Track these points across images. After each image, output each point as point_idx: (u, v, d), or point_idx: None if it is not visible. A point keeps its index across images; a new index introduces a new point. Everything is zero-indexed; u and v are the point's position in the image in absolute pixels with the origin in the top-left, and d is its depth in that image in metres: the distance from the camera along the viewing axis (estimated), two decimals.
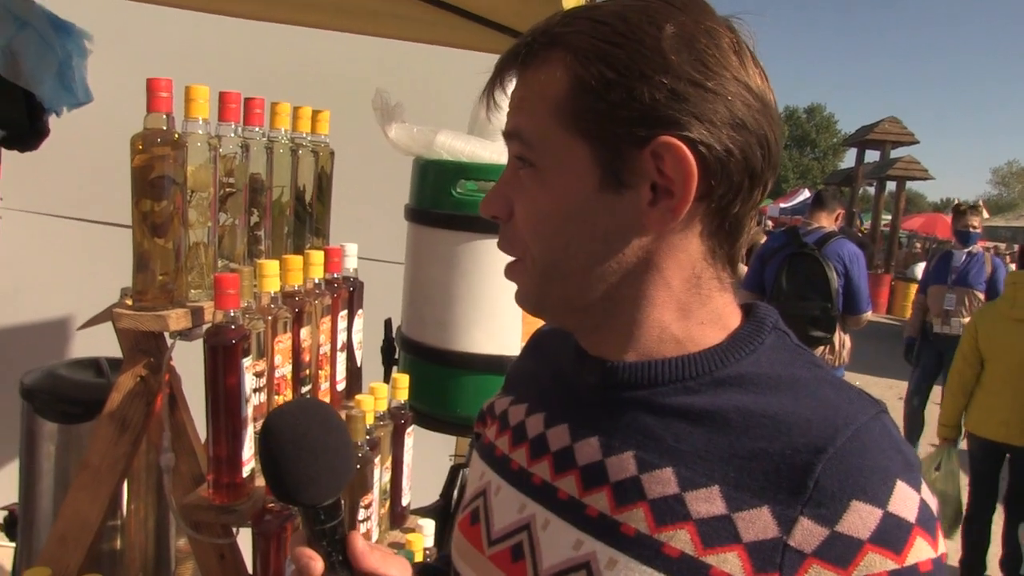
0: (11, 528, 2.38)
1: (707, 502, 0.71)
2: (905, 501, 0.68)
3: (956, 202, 6.98)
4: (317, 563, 0.82)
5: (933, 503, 0.70)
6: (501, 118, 0.82)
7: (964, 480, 4.56)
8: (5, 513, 2.53)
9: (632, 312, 0.79)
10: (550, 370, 0.94)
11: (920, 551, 0.67)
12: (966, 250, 6.18)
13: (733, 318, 0.82)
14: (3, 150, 3.39)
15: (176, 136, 1.44)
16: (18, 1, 2.75)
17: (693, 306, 0.79)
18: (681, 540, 0.71)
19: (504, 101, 0.83)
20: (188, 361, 1.54)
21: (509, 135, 0.81)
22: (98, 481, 1.48)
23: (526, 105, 0.78)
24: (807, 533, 0.67)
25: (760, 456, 0.71)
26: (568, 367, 0.89)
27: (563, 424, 0.84)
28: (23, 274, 3.98)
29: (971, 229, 6.18)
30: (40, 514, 1.93)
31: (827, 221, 4.83)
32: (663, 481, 0.73)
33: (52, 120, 2.87)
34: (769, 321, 0.82)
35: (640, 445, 0.76)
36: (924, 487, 0.70)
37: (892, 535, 0.66)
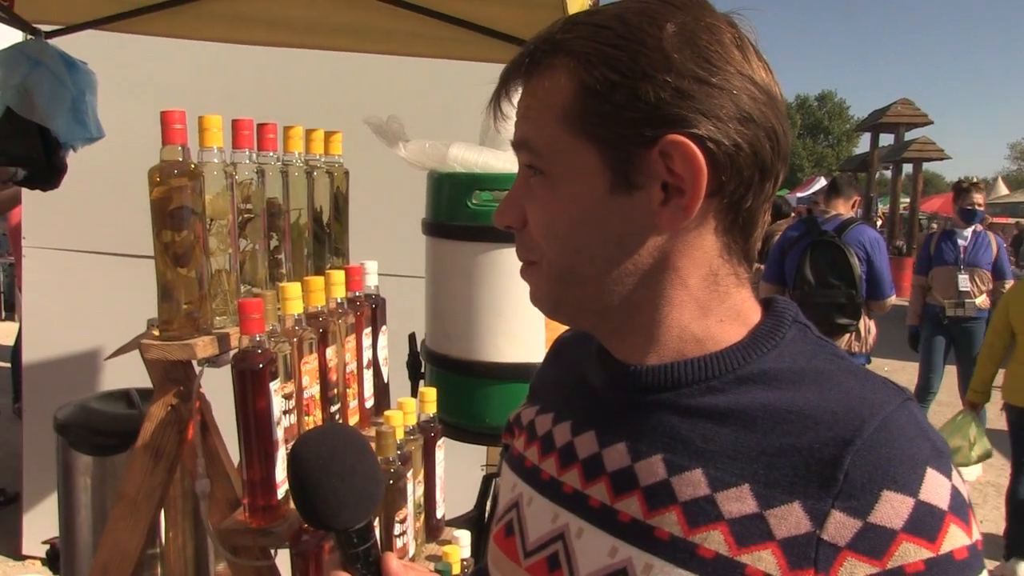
0: (54, 561, 2.42)
1: (738, 501, 0.71)
2: (936, 488, 0.67)
3: (958, 180, 6.81)
4: None
5: (964, 489, 0.70)
6: (509, 128, 0.83)
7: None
8: (48, 547, 2.57)
9: (651, 313, 0.79)
10: (573, 377, 0.94)
11: (955, 538, 0.66)
12: (970, 228, 6.01)
13: (753, 314, 0.82)
14: (25, 190, 3.45)
15: (192, 166, 1.46)
16: (31, 41, 2.81)
17: (712, 304, 0.79)
18: (715, 541, 0.71)
19: (511, 111, 0.83)
20: (217, 387, 1.56)
21: (517, 144, 0.81)
22: (135, 511, 1.50)
23: (532, 113, 0.79)
24: (840, 526, 0.67)
25: (788, 452, 0.71)
26: (591, 373, 0.89)
27: (590, 431, 0.85)
28: (50, 310, 4.04)
29: (976, 207, 6.03)
30: (81, 546, 1.95)
31: (844, 208, 4.80)
32: (693, 483, 0.74)
33: (69, 157, 2.91)
34: (789, 315, 0.81)
35: (668, 448, 0.76)
36: (955, 473, 0.69)
37: (925, 523, 0.66)
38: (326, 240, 1.88)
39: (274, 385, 1.44)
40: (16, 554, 4.51)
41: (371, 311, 1.90)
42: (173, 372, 1.46)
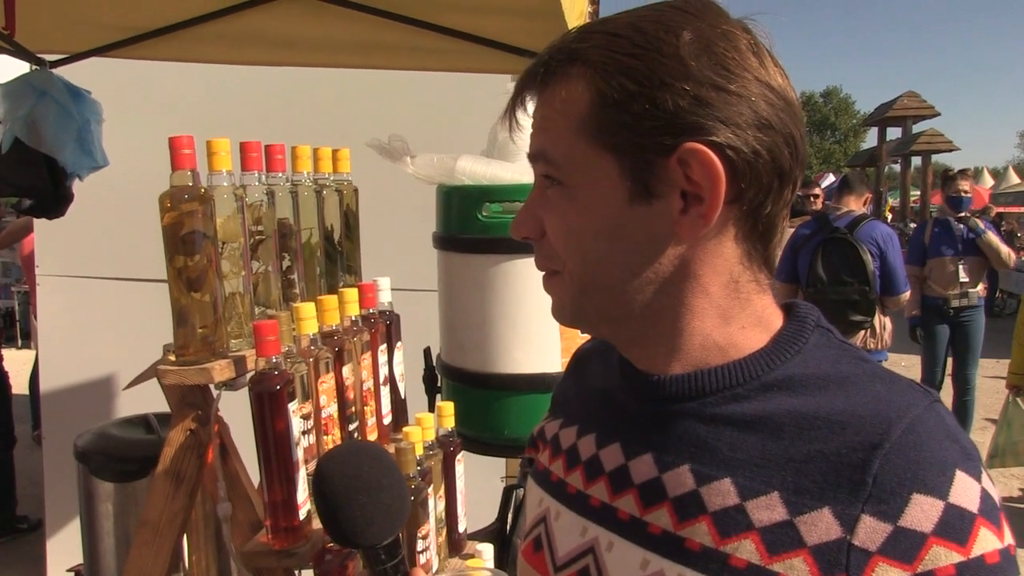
0: None
1: (768, 509, 0.70)
2: (966, 491, 0.67)
3: (945, 170, 6.78)
4: None
5: (995, 492, 0.69)
6: (524, 138, 0.83)
7: None
8: (72, 575, 2.57)
9: (673, 322, 0.78)
10: (596, 389, 0.93)
11: (986, 542, 0.66)
12: (959, 215, 5.95)
13: (775, 319, 0.81)
14: (33, 219, 3.47)
15: (202, 191, 1.46)
16: (37, 72, 2.82)
17: (733, 311, 0.78)
18: (747, 550, 0.70)
19: (526, 120, 0.83)
20: (235, 410, 1.56)
21: (534, 156, 0.81)
22: (158, 536, 1.50)
23: (549, 124, 0.78)
24: (870, 531, 0.66)
25: (816, 458, 0.70)
26: (614, 384, 0.88)
27: (615, 443, 0.84)
28: (66, 337, 4.06)
29: (963, 194, 5.98)
30: (105, 572, 1.95)
31: (856, 204, 4.78)
32: (722, 492, 0.73)
33: (76, 185, 2.93)
34: (811, 319, 0.81)
35: (695, 458, 0.76)
36: (984, 476, 0.69)
37: (956, 527, 0.65)
38: (338, 258, 1.88)
39: (292, 406, 1.44)
40: None
41: (386, 327, 1.90)
42: (190, 396, 1.46)
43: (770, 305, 0.81)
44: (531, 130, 0.82)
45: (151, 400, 1.91)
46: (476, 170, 2.06)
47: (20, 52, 2.84)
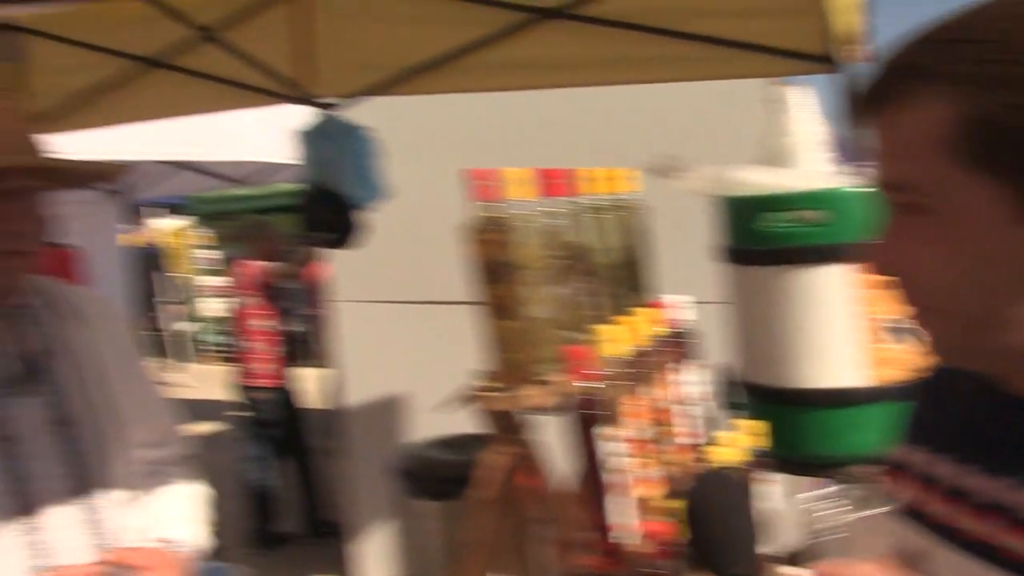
0: None
1: None
2: None
3: None
4: None
5: None
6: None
7: None
8: None
9: None
10: (956, 415, 0.85)
11: None
12: None
13: None
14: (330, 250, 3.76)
15: (504, 220, 1.51)
16: (323, 116, 3.07)
17: None
18: None
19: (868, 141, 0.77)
20: (547, 434, 1.59)
21: (890, 185, 0.75)
22: (477, 559, 1.56)
23: (904, 150, 0.72)
24: None
25: None
26: (977, 409, 0.81)
27: (989, 473, 0.77)
28: (364, 359, 4.39)
29: None
30: None
31: None
32: None
33: (368, 216, 3.14)
34: None
35: None
36: None
37: None
38: (634, 278, 1.89)
39: (605, 430, 1.45)
40: None
41: (685, 345, 1.88)
42: (505, 421, 1.51)
43: None
44: (878, 157, 0.76)
45: (446, 419, 2.00)
46: (757, 180, 1.99)
47: (307, 100, 3.09)
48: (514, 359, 1.48)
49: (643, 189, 1.96)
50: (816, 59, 1.88)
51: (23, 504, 1.33)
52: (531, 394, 1.45)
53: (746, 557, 0.79)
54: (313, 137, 2.97)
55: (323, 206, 2.98)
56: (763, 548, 0.82)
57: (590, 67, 2.97)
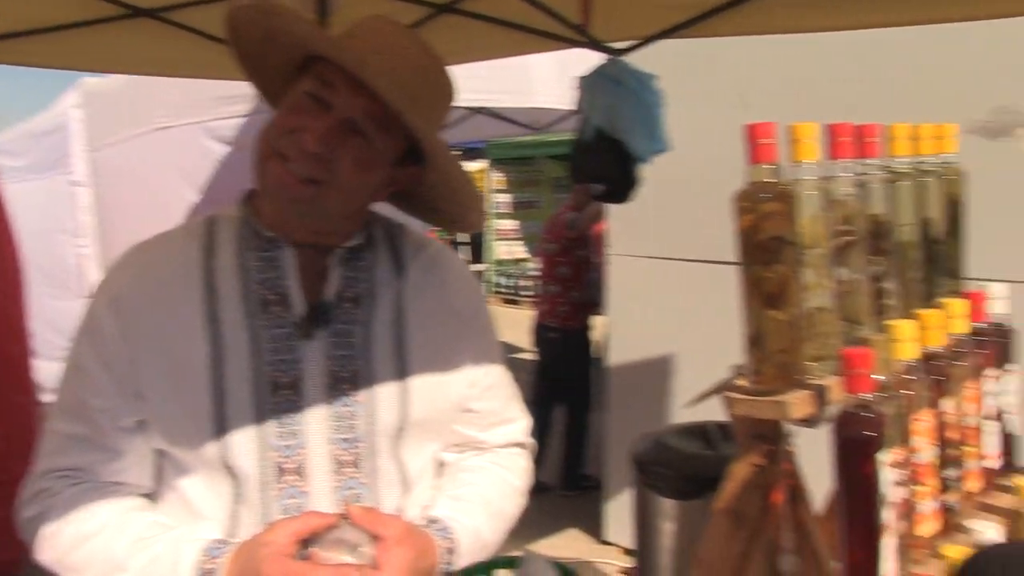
0: None
1: None
2: None
3: None
4: None
5: None
6: None
7: None
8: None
9: None
10: None
11: None
12: None
13: None
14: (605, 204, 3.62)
15: (785, 188, 1.24)
16: (611, 62, 2.88)
17: None
18: None
19: None
20: (812, 447, 1.33)
21: None
22: None
23: None
24: None
25: None
26: None
27: None
28: (635, 314, 4.27)
29: None
30: None
31: None
32: None
33: (647, 169, 2.94)
34: None
35: None
36: None
37: None
38: (939, 260, 1.53)
39: (883, 455, 1.16)
40: (600, 537, 4.85)
41: (999, 347, 1.51)
42: (761, 429, 1.27)
43: None
44: None
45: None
46: None
47: (594, 44, 2.92)
48: (781, 357, 1.23)
49: (962, 151, 1.57)
50: None
51: (289, 461, 1.30)
52: (797, 402, 1.20)
53: None
54: (594, 82, 2.81)
55: (601, 156, 2.83)
56: None
57: (904, 2, 2.49)
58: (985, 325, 1.51)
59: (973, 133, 1.68)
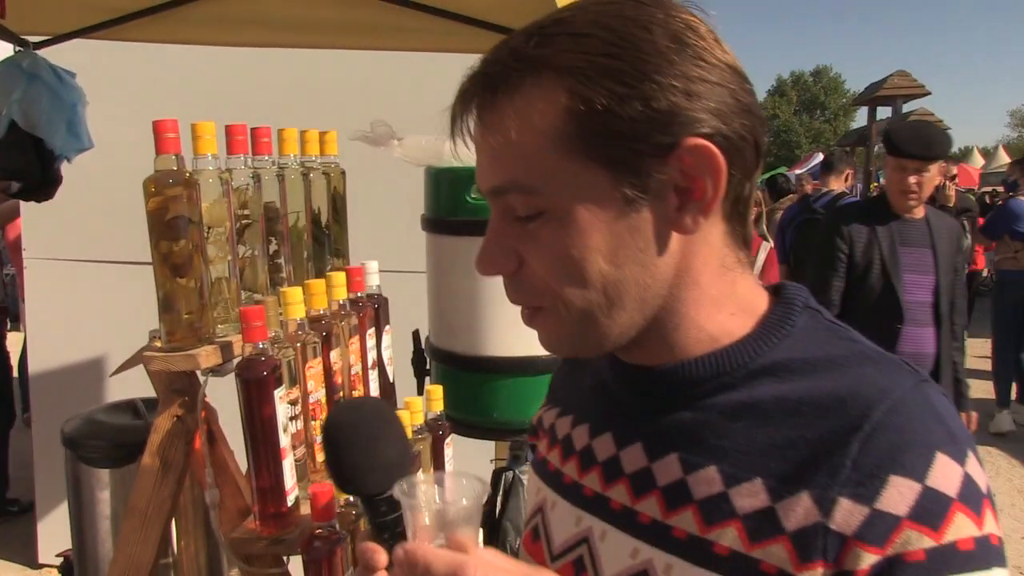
0: (68, 574, 2.42)
1: (751, 497, 0.70)
2: (946, 475, 0.65)
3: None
4: (381, 555, 0.78)
5: (981, 478, 0.67)
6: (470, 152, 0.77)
7: None
8: (61, 560, 2.57)
9: (667, 319, 0.76)
10: (590, 379, 0.91)
11: (960, 528, 0.64)
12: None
13: (759, 302, 0.80)
14: (22, 202, 3.44)
15: (187, 175, 1.45)
16: (23, 54, 2.79)
17: (723, 297, 0.77)
18: (729, 538, 0.70)
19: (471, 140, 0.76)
20: (222, 396, 1.55)
21: (499, 189, 0.74)
22: (146, 523, 1.49)
23: (513, 150, 0.71)
24: (847, 514, 0.65)
25: (799, 443, 0.69)
26: (606, 374, 0.86)
27: (607, 433, 0.83)
28: (54, 319, 4.04)
29: None
30: (94, 557, 1.95)
31: (837, 183, 4.84)
32: (708, 480, 0.72)
33: (64, 167, 2.91)
34: (799, 301, 0.79)
35: (682, 446, 0.75)
36: (971, 460, 0.67)
37: (930, 510, 0.64)
38: (325, 242, 1.87)
39: (279, 392, 1.44)
40: (33, 563, 4.52)
41: (374, 311, 1.89)
42: (177, 383, 1.46)
43: (754, 286, 0.80)
44: (482, 162, 0.75)
45: (139, 384, 1.90)
46: (466, 152, 2.04)
47: (4, 34, 2.80)
48: (190, 319, 1.43)
49: (347, 154, 1.94)
50: None
51: None
52: (205, 354, 1.41)
53: (379, 479, 0.80)
54: (5, 74, 2.70)
55: (17, 152, 2.72)
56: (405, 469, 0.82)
57: (315, 29, 2.94)
58: (363, 294, 1.88)
59: (357, 140, 2.05)
